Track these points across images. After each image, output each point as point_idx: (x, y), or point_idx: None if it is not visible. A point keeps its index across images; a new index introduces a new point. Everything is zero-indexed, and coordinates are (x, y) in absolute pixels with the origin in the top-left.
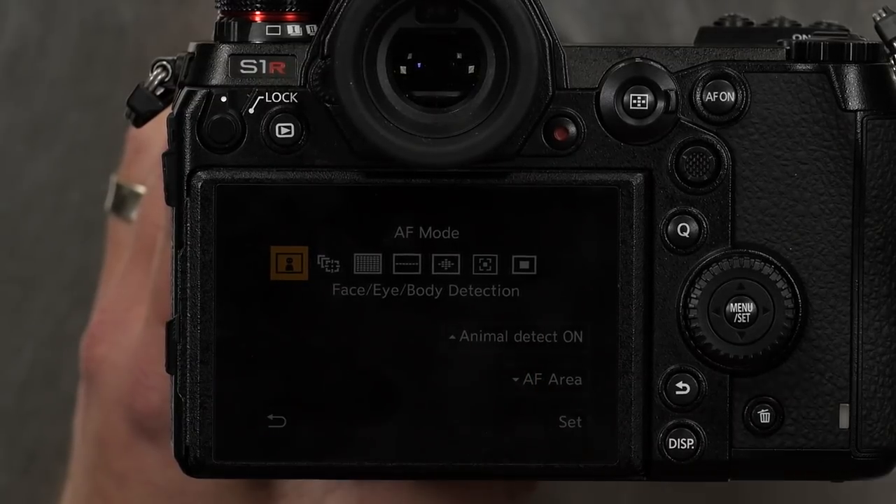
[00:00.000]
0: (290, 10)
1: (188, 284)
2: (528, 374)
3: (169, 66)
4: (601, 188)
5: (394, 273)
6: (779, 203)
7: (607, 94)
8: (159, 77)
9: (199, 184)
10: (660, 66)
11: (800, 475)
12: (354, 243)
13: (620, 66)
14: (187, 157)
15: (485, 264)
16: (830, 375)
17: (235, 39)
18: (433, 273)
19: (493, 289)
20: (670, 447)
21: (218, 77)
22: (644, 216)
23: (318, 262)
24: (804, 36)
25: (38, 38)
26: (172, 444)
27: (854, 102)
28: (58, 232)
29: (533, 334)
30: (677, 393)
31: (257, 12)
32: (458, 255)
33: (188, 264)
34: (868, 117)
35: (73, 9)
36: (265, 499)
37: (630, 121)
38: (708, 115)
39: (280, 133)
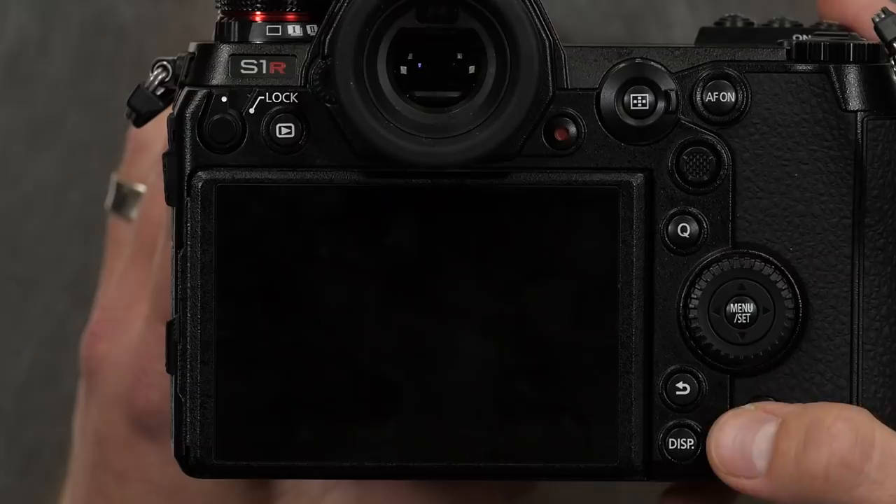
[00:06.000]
0: (290, 11)
1: (188, 284)
2: (529, 374)
3: (169, 66)
4: (601, 188)
5: (394, 273)
6: (779, 203)
7: (608, 95)
8: (160, 77)
9: (200, 184)
10: (660, 67)
11: None
12: (354, 243)
13: (621, 66)
14: (187, 157)
15: (485, 264)
16: (831, 376)
17: (236, 39)
18: (433, 273)
19: (494, 288)
20: (670, 447)
21: (218, 77)
22: (644, 216)
23: (319, 262)
24: (804, 36)
25: (38, 38)
26: (173, 444)
27: (854, 103)
28: (58, 232)
29: (533, 334)
30: (677, 393)
31: (258, 12)
32: (459, 255)
33: (188, 264)
34: (868, 117)
35: (73, 9)
36: (264, 497)
37: (630, 121)
38: (708, 116)
39: (280, 133)
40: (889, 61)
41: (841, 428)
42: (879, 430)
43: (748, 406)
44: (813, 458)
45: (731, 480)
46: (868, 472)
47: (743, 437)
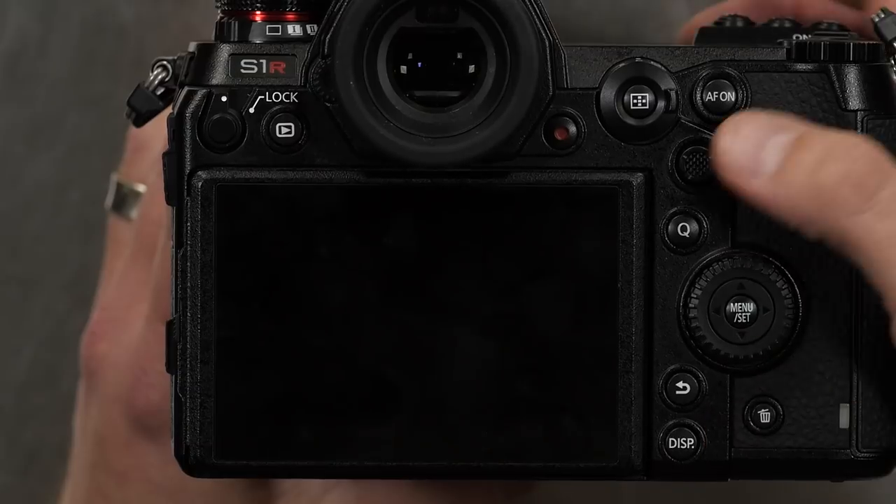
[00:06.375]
0: (290, 10)
1: (188, 284)
2: (529, 374)
3: (169, 66)
4: (601, 188)
5: (394, 272)
6: None
7: (608, 94)
8: (160, 77)
9: (200, 183)
10: (660, 66)
11: (800, 475)
12: (354, 243)
13: (621, 65)
14: (187, 156)
15: (485, 264)
16: (830, 375)
17: (236, 39)
18: (433, 273)
19: (494, 288)
20: (670, 447)
21: (218, 77)
22: (644, 216)
23: (318, 262)
24: (804, 36)
25: (38, 38)
26: (173, 444)
27: (854, 102)
28: (58, 232)
29: (533, 334)
30: (677, 393)
31: (258, 12)
32: (459, 255)
33: (188, 264)
34: (868, 117)
35: (74, 9)
36: (264, 497)
37: (630, 120)
38: (708, 115)
39: (280, 133)
40: (889, 61)
41: (863, 151)
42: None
43: (761, 113)
44: (829, 171)
45: (733, 176)
46: (879, 199)
47: (758, 136)
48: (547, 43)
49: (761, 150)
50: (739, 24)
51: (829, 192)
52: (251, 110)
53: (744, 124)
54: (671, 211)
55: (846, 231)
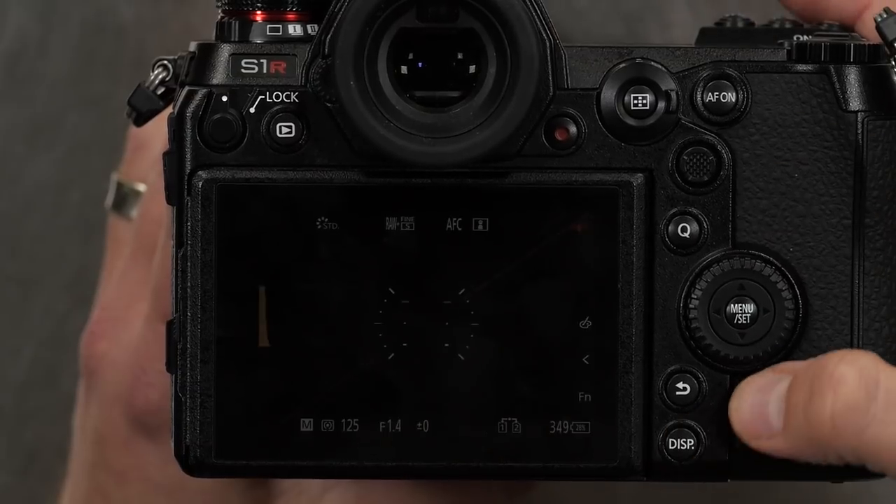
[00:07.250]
0: (291, 10)
1: (188, 284)
2: (528, 375)
3: (170, 66)
4: (602, 188)
5: (394, 273)
6: (779, 204)
7: (608, 95)
8: (160, 76)
9: (200, 183)
10: (661, 67)
11: (800, 475)
12: (354, 243)
13: (621, 66)
14: (188, 156)
15: (485, 264)
16: None
17: (236, 39)
18: (433, 273)
19: (494, 289)
20: (670, 447)
21: (219, 76)
22: (644, 216)
23: (318, 262)
24: (805, 36)
25: (38, 38)
26: (172, 443)
27: (855, 103)
28: (58, 232)
29: (533, 334)
30: (677, 393)
31: (258, 12)
32: (459, 255)
33: (188, 264)
34: (869, 118)
35: (74, 9)
36: (264, 496)
37: (631, 121)
38: (709, 116)
39: (281, 133)
40: (890, 62)
41: (844, 371)
42: (885, 371)
43: (765, 370)
44: (819, 406)
45: (753, 443)
46: (874, 412)
47: (759, 399)
48: (547, 43)
49: (767, 411)
50: (740, 24)
51: (828, 424)
52: (251, 110)
53: (746, 389)
54: (671, 211)
55: (859, 451)
